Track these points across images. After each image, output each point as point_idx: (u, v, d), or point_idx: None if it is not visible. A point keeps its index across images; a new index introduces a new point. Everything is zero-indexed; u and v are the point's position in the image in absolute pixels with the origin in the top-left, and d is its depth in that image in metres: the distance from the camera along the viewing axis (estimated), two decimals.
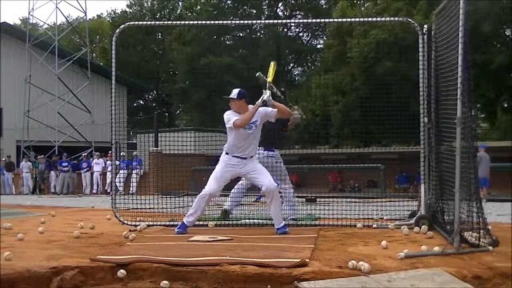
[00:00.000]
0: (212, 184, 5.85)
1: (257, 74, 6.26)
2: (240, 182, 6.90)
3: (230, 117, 5.81)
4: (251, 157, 5.90)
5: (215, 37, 36.76)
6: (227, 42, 38.92)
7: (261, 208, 7.64)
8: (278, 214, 5.86)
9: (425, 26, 6.35)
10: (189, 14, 39.37)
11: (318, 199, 11.47)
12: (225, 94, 6.01)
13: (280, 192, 7.05)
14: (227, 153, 5.90)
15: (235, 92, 5.89)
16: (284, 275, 3.75)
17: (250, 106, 5.85)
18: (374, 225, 6.36)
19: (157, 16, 40.32)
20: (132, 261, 4.08)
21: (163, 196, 8.99)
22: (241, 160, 5.84)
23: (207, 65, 30.73)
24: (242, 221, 6.75)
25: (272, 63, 6.23)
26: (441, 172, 5.87)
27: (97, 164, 21.48)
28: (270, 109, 5.87)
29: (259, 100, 5.77)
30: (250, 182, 6.33)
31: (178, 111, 43.16)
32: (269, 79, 6.00)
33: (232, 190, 7.07)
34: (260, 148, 6.88)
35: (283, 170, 7.08)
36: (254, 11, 38.03)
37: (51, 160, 23.19)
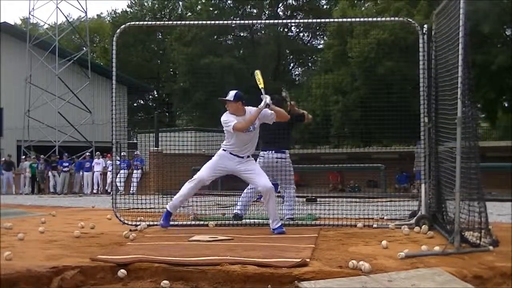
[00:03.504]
0: (203, 171, 5.96)
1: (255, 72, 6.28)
2: (250, 186, 6.88)
3: (229, 119, 5.82)
4: (248, 156, 5.93)
5: (215, 37, 36.74)
6: (228, 42, 38.90)
7: (262, 208, 7.62)
8: (275, 214, 5.87)
9: (426, 26, 6.35)
10: (190, 14, 39.37)
11: (318, 199, 11.48)
12: (226, 94, 6.00)
13: (278, 192, 7.06)
14: (224, 150, 5.95)
15: (231, 94, 5.88)
16: (285, 275, 3.75)
17: (252, 108, 5.86)
18: (375, 225, 6.36)
19: (158, 16, 40.30)
20: (133, 261, 4.08)
21: (163, 196, 8.99)
22: (237, 158, 5.88)
23: (208, 65, 30.73)
24: (242, 221, 6.75)
25: (256, 72, 6.24)
26: (439, 172, 5.87)
27: (98, 164, 21.50)
28: (269, 111, 5.88)
29: (262, 104, 5.78)
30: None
31: (178, 112, 43.16)
32: (262, 85, 6.02)
33: (242, 194, 7.02)
34: (271, 151, 6.89)
35: (291, 172, 7.06)
36: (255, 11, 38.02)
37: (50, 160, 23.21)
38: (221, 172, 6.03)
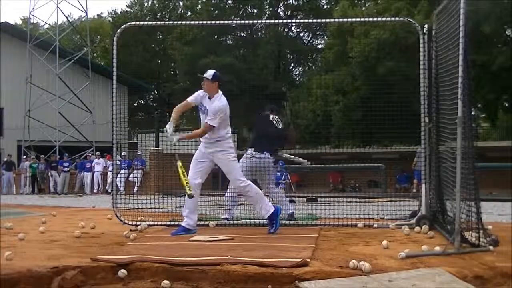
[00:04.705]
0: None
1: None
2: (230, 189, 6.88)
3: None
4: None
5: (215, 37, 36.74)
6: (228, 42, 38.89)
7: None
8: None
9: (426, 26, 6.35)
10: (190, 14, 39.36)
11: (319, 199, 11.49)
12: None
13: (267, 194, 7.07)
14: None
15: (210, 72, 5.89)
16: (285, 275, 3.75)
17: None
18: (375, 225, 6.36)
19: (158, 16, 40.30)
20: (133, 261, 4.08)
21: (164, 196, 9.00)
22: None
23: (208, 65, 30.73)
24: (242, 221, 6.75)
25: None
26: (439, 172, 5.87)
27: (98, 164, 21.50)
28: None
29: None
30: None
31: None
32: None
33: (224, 198, 7.08)
34: (251, 148, 7.08)
35: (269, 173, 7.14)
36: (255, 11, 38.01)
37: (50, 160, 23.20)
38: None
